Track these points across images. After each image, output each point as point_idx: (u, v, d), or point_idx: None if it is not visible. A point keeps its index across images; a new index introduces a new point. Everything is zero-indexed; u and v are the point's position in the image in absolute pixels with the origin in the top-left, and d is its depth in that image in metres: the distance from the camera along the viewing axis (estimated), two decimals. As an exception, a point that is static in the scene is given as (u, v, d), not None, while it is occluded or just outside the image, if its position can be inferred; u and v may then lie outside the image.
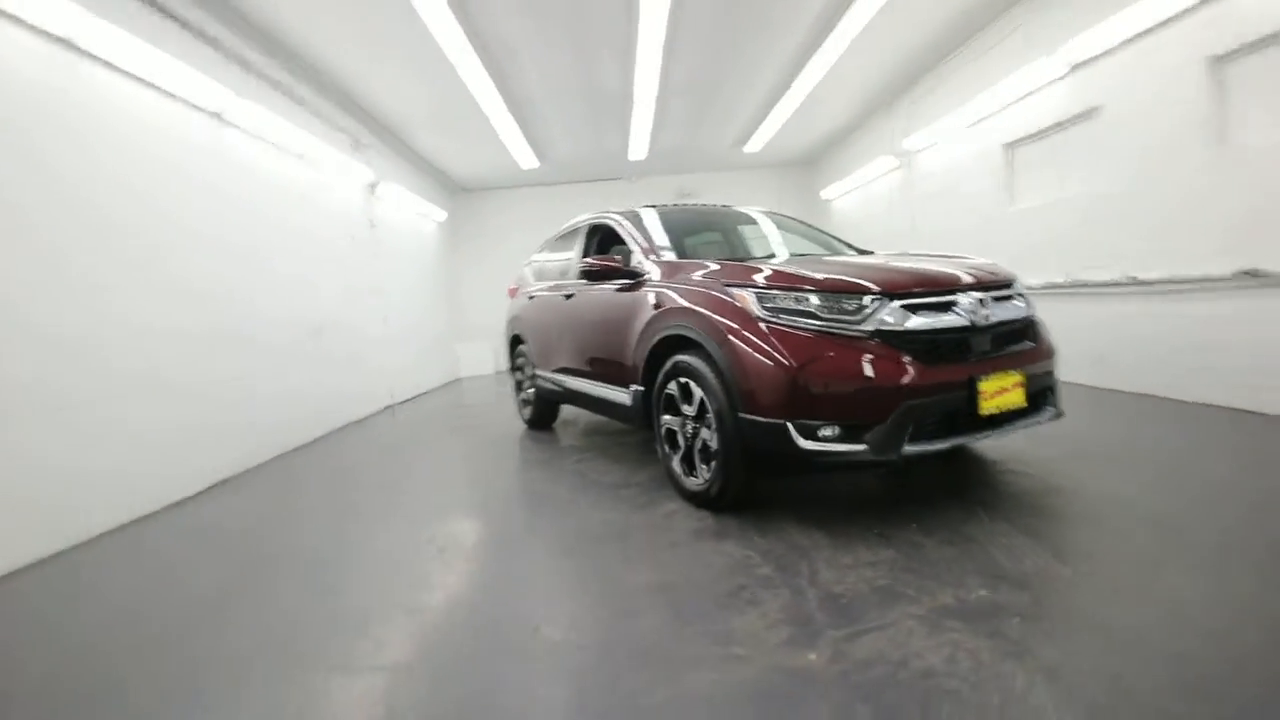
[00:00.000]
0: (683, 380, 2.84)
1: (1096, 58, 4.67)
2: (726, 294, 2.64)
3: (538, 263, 5.34)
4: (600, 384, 3.74)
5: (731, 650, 1.68)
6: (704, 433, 2.75)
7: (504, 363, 11.40)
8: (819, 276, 2.50)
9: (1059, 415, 2.69)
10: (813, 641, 1.69)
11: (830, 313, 2.40)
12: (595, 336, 3.73)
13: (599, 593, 2.13)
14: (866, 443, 2.28)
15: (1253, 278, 3.64)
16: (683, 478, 2.93)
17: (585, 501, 3.11)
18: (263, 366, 4.68)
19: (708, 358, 2.67)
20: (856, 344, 2.34)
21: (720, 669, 1.60)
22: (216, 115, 4.41)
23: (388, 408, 7.23)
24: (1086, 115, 4.88)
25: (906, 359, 2.32)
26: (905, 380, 2.29)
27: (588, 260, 3.59)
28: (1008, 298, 2.70)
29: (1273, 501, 2.41)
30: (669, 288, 3.06)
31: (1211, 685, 1.39)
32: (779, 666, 1.59)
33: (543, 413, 5.06)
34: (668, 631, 1.81)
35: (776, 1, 5.21)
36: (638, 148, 9.07)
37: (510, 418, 5.89)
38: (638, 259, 3.42)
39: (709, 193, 11.26)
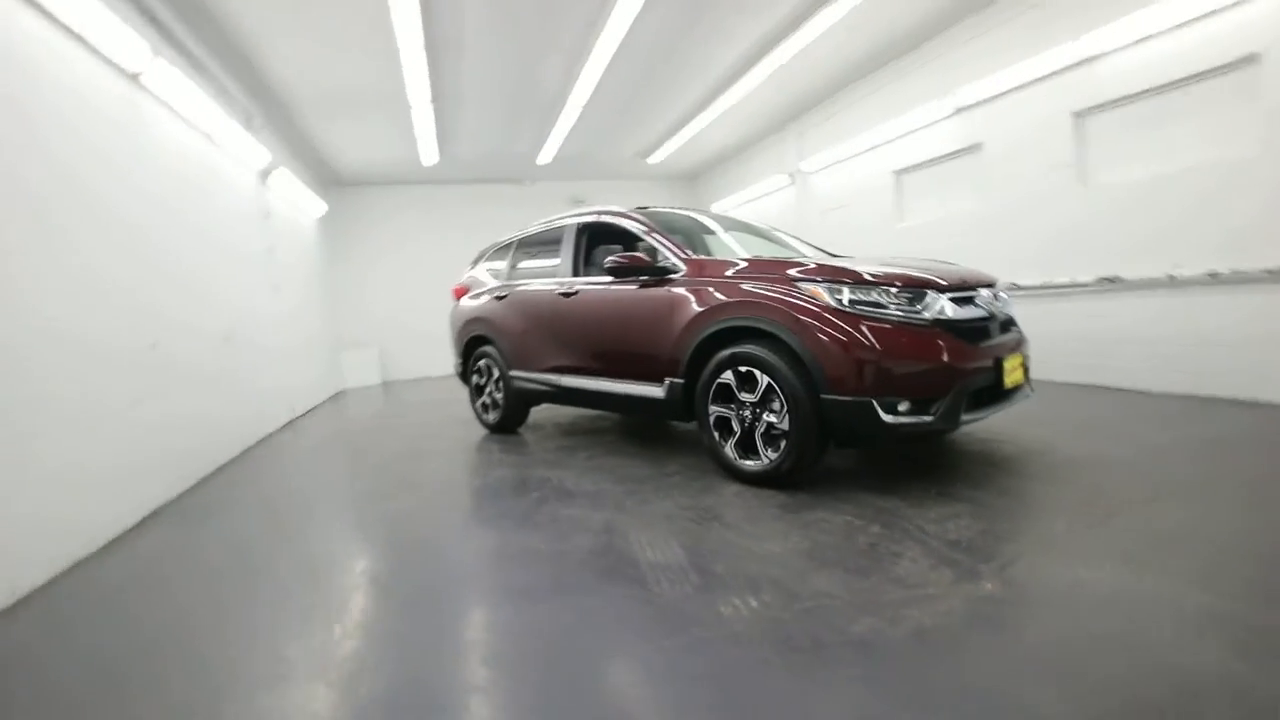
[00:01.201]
0: (743, 369, 3.03)
1: (980, 103, 5.71)
2: (797, 288, 2.89)
3: (498, 263, 5.17)
4: (620, 381, 3.79)
5: (924, 591, 1.91)
6: (767, 417, 2.97)
7: (396, 372, 10.69)
8: (895, 273, 2.85)
9: (1032, 392, 3.32)
10: (977, 576, 1.98)
11: (899, 305, 2.76)
12: (615, 333, 3.78)
13: (763, 560, 2.23)
14: (933, 414, 2.67)
15: (1110, 283, 4.74)
16: (738, 461, 3.12)
17: (647, 491, 3.16)
18: (168, 382, 3.80)
19: (780, 346, 2.89)
20: (924, 331, 2.72)
21: (931, 606, 1.82)
22: (134, 78, 3.70)
23: (289, 423, 6.42)
24: (970, 150, 5.93)
25: (959, 344, 2.76)
26: (960, 362, 2.72)
27: (616, 257, 3.63)
28: (997, 295, 3.28)
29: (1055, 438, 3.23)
30: (710, 283, 3.24)
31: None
32: (974, 597, 1.86)
33: (512, 416, 4.90)
34: (859, 586, 1.98)
35: (728, 20, 5.62)
36: (548, 152, 9.03)
37: (458, 424, 5.59)
38: (665, 256, 3.55)
39: (600, 202, 11.46)
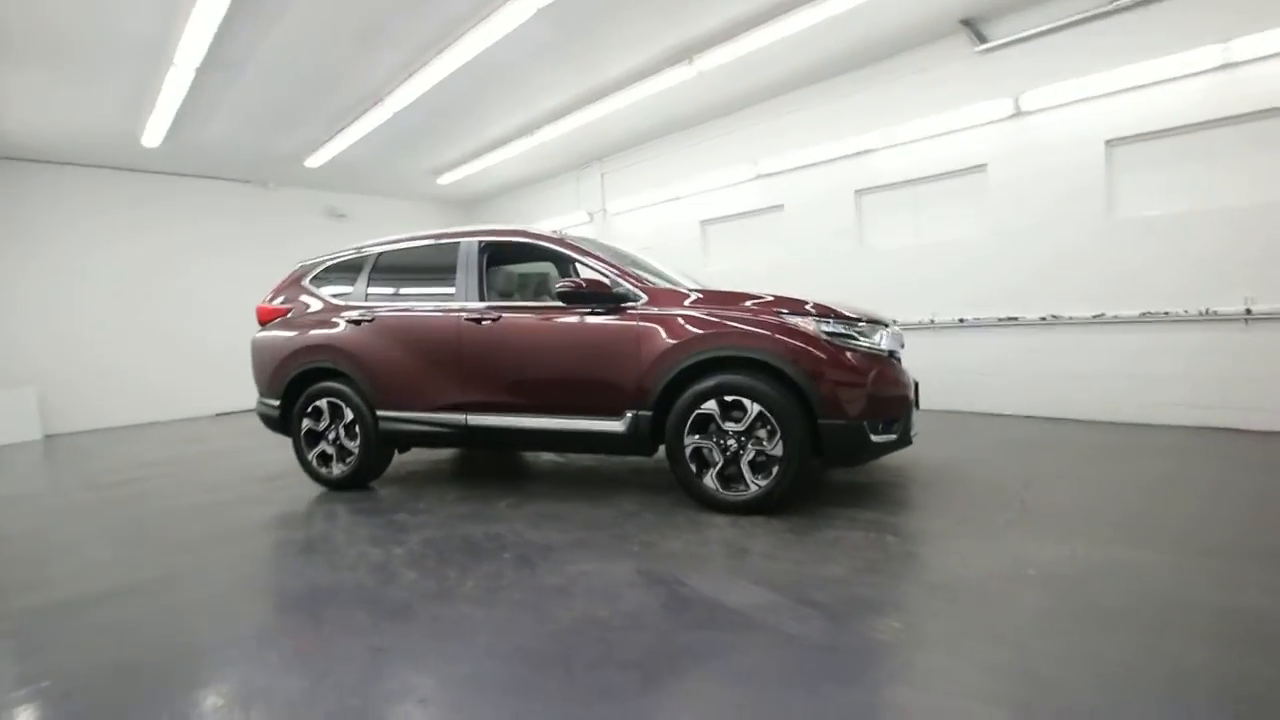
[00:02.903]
0: (729, 399, 3.06)
1: (780, 173, 6.81)
2: (786, 321, 3.06)
3: (343, 282, 4.21)
4: (562, 417, 3.43)
5: (1022, 572, 2.22)
6: (752, 445, 3.04)
7: (76, 420, 7.53)
8: (853, 311, 3.20)
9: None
10: (1022, 566, 2.37)
11: (866, 337, 3.13)
12: (557, 366, 3.42)
13: (850, 582, 2.25)
14: (897, 433, 3.10)
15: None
16: (720, 492, 3.10)
17: (631, 531, 2.90)
18: None
19: (770, 375, 3.01)
20: (886, 360, 3.14)
21: (1033, 588, 2.11)
22: None
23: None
24: (773, 209, 7.01)
25: (901, 371, 3.25)
26: (906, 387, 3.21)
27: (570, 280, 3.32)
28: (893, 330, 3.93)
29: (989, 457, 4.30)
30: (679, 314, 3.22)
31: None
32: (1053, 574, 2.22)
33: (369, 466, 3.97)
34: (961, 577, 2.18)
35: (568, 67, 5.70)
36: (325, 154, 7.69)
37: (259, 483, 4.29)
38: (619, 283, 3.38)
39: (362, 218, 10.16)
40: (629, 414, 3.28)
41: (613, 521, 3.12)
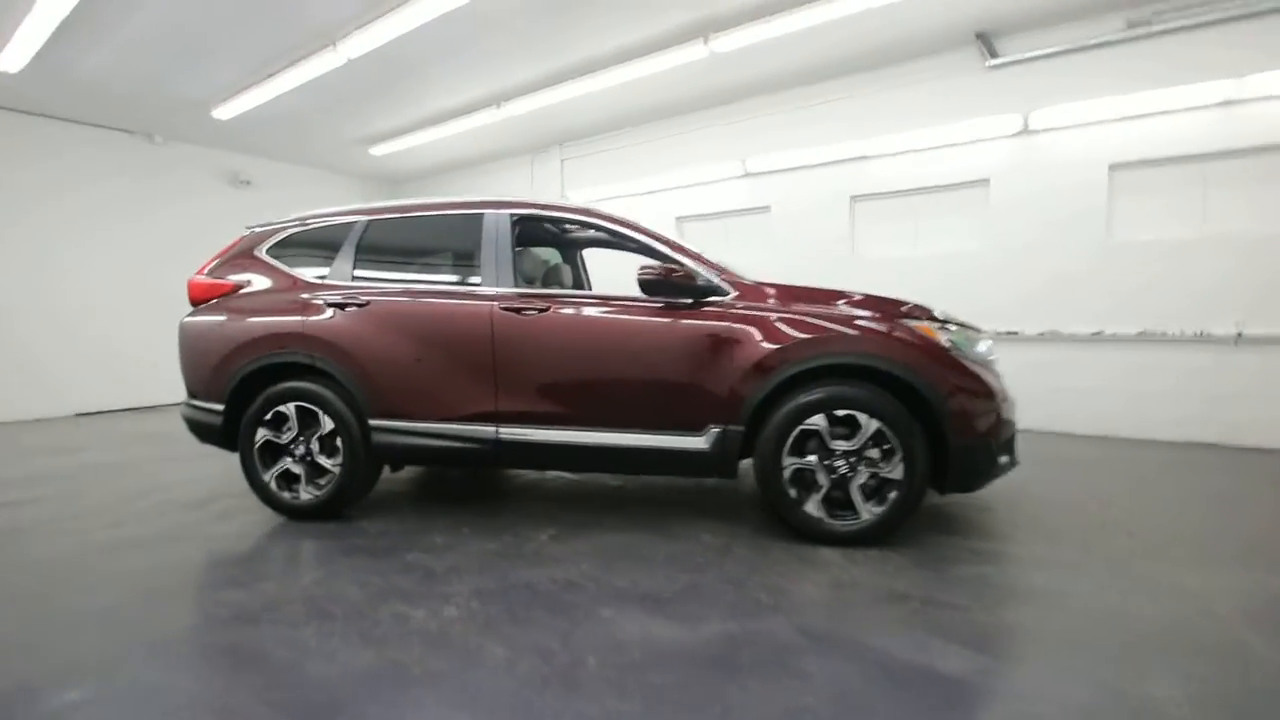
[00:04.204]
0: (840, 413, 2.64)
1: (770, 172, 6.54)
2: (904, 325, 2.69)
3: (319, 257, 3.34)
4: (629, 432, 2.83)
5: (1212, 609, 1.95)
6: (864, 467, 2.64)
7: None
8: (959, 317, 2.89)
9: None
10: (1204, 603, 2.13)
11: (977, 347, 2.82)
12: (631, 371, 2.83)
13: (1034, 632, 1.89)
14: (1011, 453, 2.82)
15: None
16: (826, 520, 2.68)
17: (750, 578, 2.37)
18: None
19: (902, 388, 2.62)
20: (997, 374, 2.85)
21: (1249, 629, 1.86)
22: None
23: None
24: (759, 210, 6.72)
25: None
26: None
27: (656, 267, 2.74)
28: None
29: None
30: (781, 313, 2.76)
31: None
32: (1246, 611, 1.98)
33: (350, 489, 3.13)
34: (1159, 621, 1.88)
35: (546, 43, 5.13)
36: (240, 104, 6.41)
37: (183, 508, 3.30)
38: (702, 275, 2.86)
39: (269, 188, 8.76)
40: (713, 429, 2.76)
41: (706, 559, 2.59)
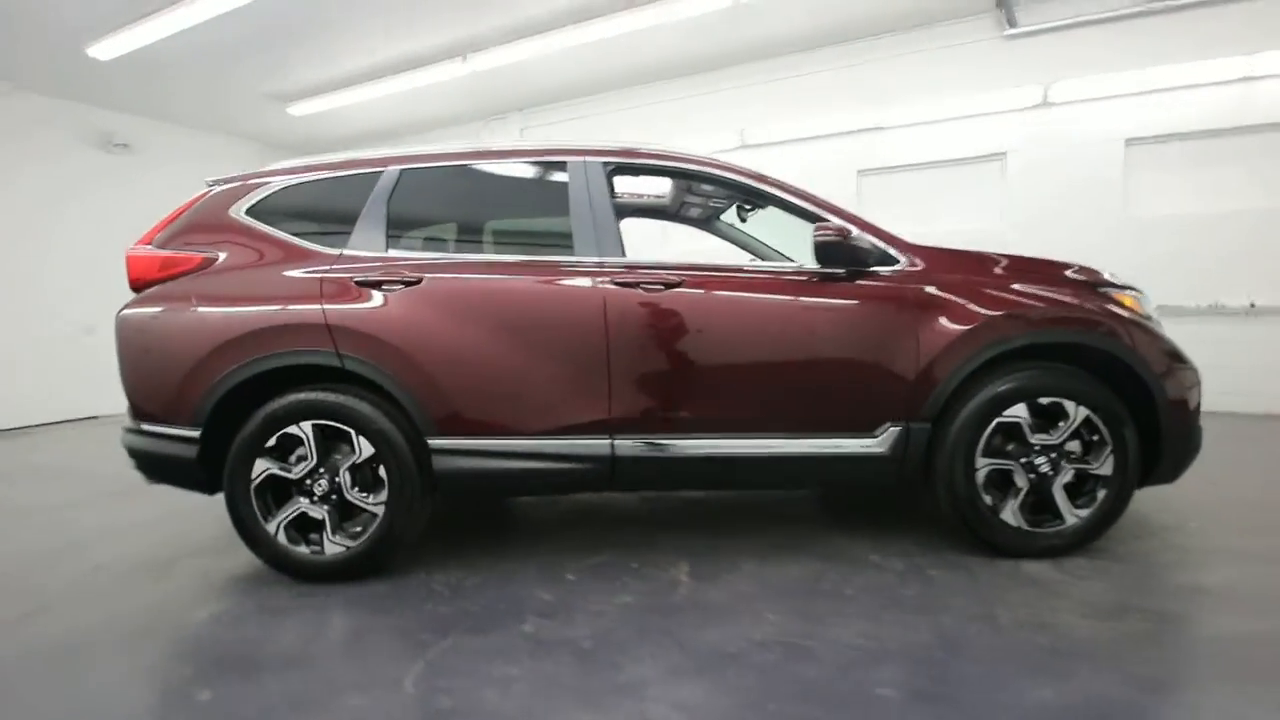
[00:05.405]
0: (1043, 402, 2.23)
1: (772, 144, 6.10)
2: (1107, 296, 2.32)
3: (327, 223, 2.46)
4: (788, 436, 2.26)
5: None
6: (1067, 464, 2.26)
7: None
8: None
9: None
10: None
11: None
12: (790, 359, 2.25)
13: None
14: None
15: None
16: (1024, 530, 2.26)
17: (1000, 613, 1.88)
18: None
19: (1119, 369, 2.25)
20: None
21: None
22: None
23: None
24: (756, 185, 6.26)
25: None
26: None
27: (830, 228, 2.17)
28: None
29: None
30: (970, 283, 2.30)
31: None
32: None
33: (398, 534, 2.31)
34: None
35: None
36: (123, 43, 5.02)
37: (149, 571, 2.34)
38: (866, 240, 2.33)
39: (152, 154, 7.19)
40: (890, 427, 2.26)
41: (916, 592, 2.08)
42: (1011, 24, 5.07)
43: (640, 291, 2.25)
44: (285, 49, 5.61)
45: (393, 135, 8.17)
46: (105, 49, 5.11)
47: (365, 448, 2.24)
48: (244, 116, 7.34)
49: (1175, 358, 2.31)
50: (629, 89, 6.67)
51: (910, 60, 5.49)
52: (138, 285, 2.41)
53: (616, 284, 2.25)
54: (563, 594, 2.17)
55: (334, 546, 2.27)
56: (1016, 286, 2.30)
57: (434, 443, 2.26)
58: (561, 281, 2.29)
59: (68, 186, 6.52)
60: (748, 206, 3.12)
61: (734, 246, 3.47)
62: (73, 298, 6.46)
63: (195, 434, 2.27)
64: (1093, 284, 2.37)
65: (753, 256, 3.36)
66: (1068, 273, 2.43)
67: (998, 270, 2.38)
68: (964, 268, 2.35)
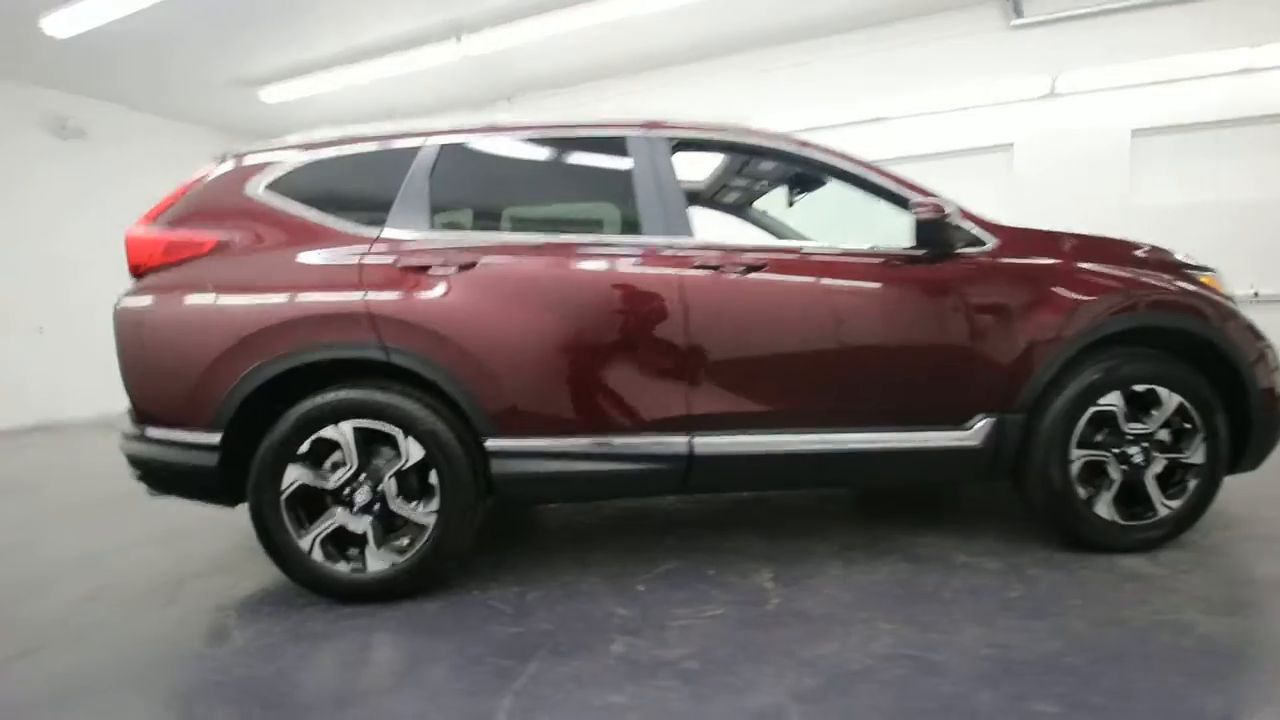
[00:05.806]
0: (1138, 389, 2.14)
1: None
2: (1194, 278, 2.25)
3: (337, 192, 2.21)
4: (877, 430, 2.11)
5: None
6: (1158, 453, 2.18)
7: None
8: None
9: None
10: None
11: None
12: (880, 347, 2.11)
13: None
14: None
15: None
16: (1118, 524, 2.17)
17: (1149, 624, 1.76)
18: None
19: (1207, 353, 2.17)
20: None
21: None
22: None
23: None
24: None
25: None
26: None
27: (929, 204, 2.02)
28: None
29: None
30: (1068, 268, 2.20)
31: None
32: None
33: (449, 545, 2.07)
34: None
35: None
36: (80, 20, 4.56)
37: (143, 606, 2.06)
38: (956, 219, 2.19)
39: (108, 142, 6.67)
40: (983, 419, 2.14)
41: (1022, 594, 1.95)
42: (1018, 14, 5.06)
43: (720, 275, 2.06)
44: (255, 28, 5.22)
45: (373, 121, 7.76)
46: (61, 24, 4.63)
47: (414, 451, 2.00)
48: (209, 104, 6.86)
49: (1263, 342, 2.26)
50: (624, 77, 6.48)
51: (915, 50, 5.44)
52: (138, 271, 2.11)
53: (697, 267, 2.06)
54: (640, 607, 1.97)
55: (378, 563, 2.02)
56: (1108, 269, 2.20)
57: (491, 444, 2.03)
58: (635, 265, 2.09)
59: (11, 178, 5.98)
60: (798, 189, 2.95)
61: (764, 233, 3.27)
62: (20, 293, 5.92)
63: (215, 440, 1.99)
64: (1176, 264, 2.30)
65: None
66: (1138, 253, 2.35)
67: (1084, 251, 2.28)
68: (1052, 249, 2.24)
